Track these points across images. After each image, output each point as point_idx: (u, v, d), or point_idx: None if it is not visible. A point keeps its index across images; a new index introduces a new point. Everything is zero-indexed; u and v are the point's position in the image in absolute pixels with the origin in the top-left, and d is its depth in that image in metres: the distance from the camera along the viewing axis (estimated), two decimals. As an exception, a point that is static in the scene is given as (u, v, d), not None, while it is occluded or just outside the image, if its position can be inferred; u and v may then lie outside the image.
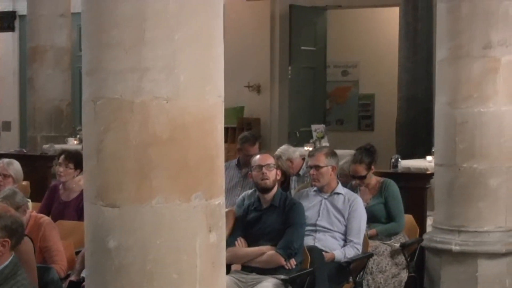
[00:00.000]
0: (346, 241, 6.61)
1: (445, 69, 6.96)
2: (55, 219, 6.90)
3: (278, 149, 8.49)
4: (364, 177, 7.24)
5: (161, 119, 3.60)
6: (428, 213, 7.92)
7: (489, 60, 6.75)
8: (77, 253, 6.35)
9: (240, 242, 6.26)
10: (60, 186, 7.65)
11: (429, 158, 9.44)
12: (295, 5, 15.19)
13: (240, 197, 7.05)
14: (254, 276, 6.10)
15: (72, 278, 6.05)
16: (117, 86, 3.61)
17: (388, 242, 7.17)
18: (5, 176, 7.84)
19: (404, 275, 7.13)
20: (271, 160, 6.41)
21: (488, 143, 6.86)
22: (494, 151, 6.86)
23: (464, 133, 6.88)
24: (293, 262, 6.07)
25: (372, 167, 7.30)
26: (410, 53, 12.12)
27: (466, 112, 6.85)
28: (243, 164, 8.15)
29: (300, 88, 15.24)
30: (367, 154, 7.30)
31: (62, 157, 7.58)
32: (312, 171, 6.74)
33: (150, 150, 3.60)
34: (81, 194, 6.84)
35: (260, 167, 6.32)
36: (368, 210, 6.95)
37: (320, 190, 6.77)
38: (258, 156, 6.49)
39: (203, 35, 3.69)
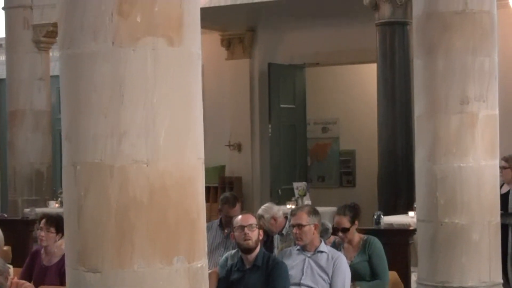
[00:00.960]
0: (330, 299, 6.56)
1: (423, 124, 7.01)
2: (36, 285, 6.82)
3: (261, 208, 8.47)
4: (348, 229, 7.22)
5: (141, 182, 3.59)
6: (412, 269, 7.91)
7: (467, 115, 6.80)
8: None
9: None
10: (42, 251, 7.58)
11: (411, 213, 9.46)
12: (273, 63, 15.30)
13: (223, 257, 7.01)
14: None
15: None
16: (96, 150, 3.62)
17: (373, 299, 7.13)
18: (-14, 242, 7.77)
19: (390, 332, 7.08)
20: (253, 220, 6.40)
21: (469, 198, 6.88)
22: (474, 205, 6.88)
23: (445, 188, 6.91)
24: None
25: (356, 222, 7.29)
26: (388, 108, 12.20)
27: (445, 167, 6.88)
28: (225, 224, 8.12)
29: (281, 146, 15.28)
30: (350, 208, 7.32)
31: (43, 221, 7.53)
32: (294, 230, 6.73)
33: (130, 213, 3.59)
34: (62, 259, 6.78)
35: (242, 227, 6.31)
36: (352, 267, 6.92)
37: (303, 249, 6.75)
38: (239, 217, 6.47)
39: (182, 97, 3.70)
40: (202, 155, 3.81)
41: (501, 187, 7.81)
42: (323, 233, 7.36)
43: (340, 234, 7.27)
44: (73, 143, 3.69)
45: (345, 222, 7.24)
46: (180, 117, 3.68)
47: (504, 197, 8.97)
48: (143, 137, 3.59)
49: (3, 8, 14.54)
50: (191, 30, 3.75)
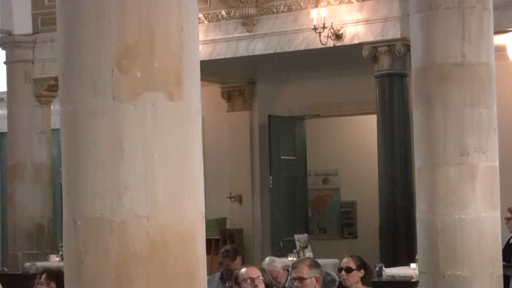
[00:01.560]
0: None
1: (424, 176, 7.01)
2: None
3: (263, 262, 8.45)
4: (351, 270, 7.13)
5: (141, 237, 3.59)
6: (414, 321, 7.85)
7: (467, 166, 6.80)
8: None
9: None
10: (42, 306, 7.54)
11: (413, 265, 9.41)
12: (273, 115, 15.37)
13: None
14: None
15: None
16: (96, 205, 3.62)
17: None
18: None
19: None
20: (259, 273, 6.45)
21: (470, 250, 6.85)
22: (476, 257, 6.85)
23: (446, 240, 6.88)
24: None
25: (362, 270, 7.22)
26: (388, 159, 12.23)
27: (446, 219, 6.87)
28: (227, 277, 8.09)
29: (282, 197, 15.27)
30: (360, 258, 7.28)
31: (43, 276, 7.50)
32: (296, 283, 6.70)
33: (130, 267, 3.58)
34: (62, 313, 6.73)
35: (252, 279, 6.33)
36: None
37: (305, 302, 6.71)
38: (245, 269, 6.48)
39: (182, 152, 3.71)
40: (202, 208, 3.81)
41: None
42: (330, 284, 7.33)
43: (343, 273, 7.18)
44: (74, 198, 3.70)
45: (351, 263, 7.17)
46: (180, 172, 3.68)
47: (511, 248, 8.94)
48: (143, 192, 3.59)
49: (4, 63, 14.65)
50: (191, 85, 3.77)
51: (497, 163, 6.97)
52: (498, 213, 7.02)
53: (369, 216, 15.22)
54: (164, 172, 3.62)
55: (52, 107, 14.74)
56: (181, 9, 3.71)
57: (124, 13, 3.60)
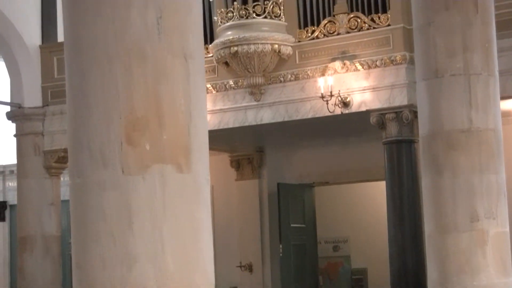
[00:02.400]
0: None
1: (434, 243, 6.98)
2: None
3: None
4: None
5: (151, 310, 3.57)
6: None
7: (477, 233, 6.78)
8: None
9: None
10: None
11: (425, 332, 9.30)
12: (282, 183, 15.36)
13: None
14: None
15: None
16: (106, 277, 3.61)
17: None
18: None
19: None
20: None
21: (483, 317, 6.79)
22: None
23: (459, 307, 6.82)
24: None
25: None
26: (398, 226, 12.18)
27: (458, 286, 6.81)
28: None
29: (292, 265, 15.18)
30: None
31: None
32: None
33: None
34: None
35: None
36: None
37: None
38: None
39: (191, 223, 3.72)
40: (212, 279, 3.79)
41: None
42: None
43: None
44: (83, 271, 3.69)
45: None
46: (189, 243, 3.68)
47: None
48: (152, 264, 3.58)
49: (14, 135, 14.75)
50: (199, 156, 3.79)
51: (507, 229, 6.95)
52: (510, 279, 6.97)
53: (380, 283, 15.09)
54: (173, 244, 3.62)
55: (61, 178, 14.78)
56: (189, 81, 3.74)
57: (132, 86, 3.64)
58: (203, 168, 3.82)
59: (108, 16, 3.63)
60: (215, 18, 13.05)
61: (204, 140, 3.86)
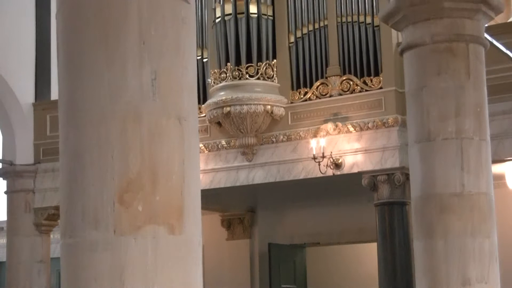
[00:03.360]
0: None
1: (426, 307, 6.94)
2: None
3: None
4: None
5: None
6: None
7: (469, 297, 6.75)
8: None
9: None
10: None
11: None
12: (274, 243, 15.31)
13: None
14: None
15: None
16: None
17: None
18: None
19: None
20: None
21: None
22: None
23: None
24: None
25: None
26: (389, 287, 12.13)
27: None
28: None
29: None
30: None
31: None
32: None
33: None
34: None
35: None
36: None
37: None
38: None
39: (182, 284, 3.70)
40: None
41: None
42: None
43: None
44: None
45: None
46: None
47: None
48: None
49: (5, 192, 14.70)
50: (192, 217, 3.79)
51: (499, 293, 6.92)
52: None
53: None
54: (165, 306, 3.60)
55: (51, 235, 14.71)
56: (183, 143, 3.76)
57: (127, 147, 3.65)
58: (195, 229, 3.81)
59: (104, 77, 3.65)
60: (209, 80, 13.13)
61: (197, 202, 3.87)
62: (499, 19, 11.32)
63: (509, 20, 14.05)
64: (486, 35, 7.32)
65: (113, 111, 3.61)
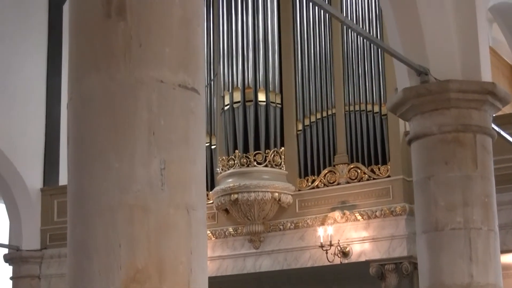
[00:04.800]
0: None
1: None
2: None
3: None
4: None
5: None
6: None
7: None
8: None
9: None
10: None
11: None
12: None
13: None
14: None
15: None
16: None
17: None
18: None
19: None
20: None
21: None
22: None
23: None
24: None
25: None
26: None
27: None
28: None
29: None
30: None
31: None
32: None
33: None
34: None
35: None
36: None
37: None
38: None
39: None
40: None
41: None
42: None
43: None
44: None
45: None
46: None
47: None
48: None
49: (11, 278, 14.62)
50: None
51: None
52: None
53: None
54: None
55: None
56: (191, 233, 3.74)
57: (134, 237, 3.64)
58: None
59: (113, 167, 3.67)
60: (218, 169, 13.17)
61: (204, 283, 3.83)
62: (506, 109, 11.40)
63: (515, 110, 14.13)
64: (493, 126, 7.36)
65: (121, 201, 3.62)
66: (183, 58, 3.84)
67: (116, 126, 3.69)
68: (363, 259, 12.28)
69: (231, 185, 12.83)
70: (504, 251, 9.40)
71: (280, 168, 13.00)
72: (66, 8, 14.86)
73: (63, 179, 14.60)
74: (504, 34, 9.92)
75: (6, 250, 14.78)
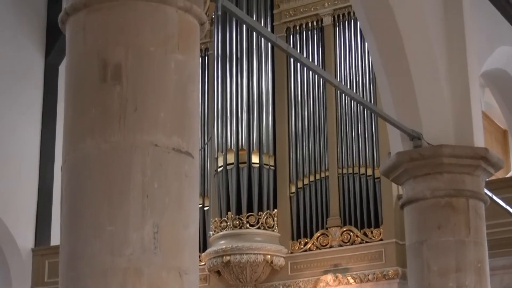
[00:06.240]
0: None
1: None
2: None
3: None
4: None
5: None
6: None
7: None
8: None
9: None
10: None
11: None
12: None
13: None
14: None
15: None
16: None
17: None
18: None
19: None
20: None
21: None
22: None
23: None
24: None
25: None
26: None
27: None
28: None
29: None
30: None
31: None
32: None
33: None
34: None
35: None
36: None
37: None
38: None
39: None
40: None
41: None
42: None
43: None
44: None
45: None
46: None
47: None
48: None
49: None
50: None
51: None
52: None
53: None
54: None
55: None
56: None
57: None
58: None
59: (106, 230, 3.67)
60: (211, 233, 13.14)
61: None
62: (498, 173, 11.43)
63: (508, 175, 14.21)
64: (486, 191, 7.38)
65: (114, 264, 3.61)
66: (177, 122, 3.87)
67: (110, 189, 3.70)
68: (357, 321, 12.19)
69: (224, 247, 12.78)
70: None
71: (273, 230, 12.97)
72: (62, 68, 14.96)
73: (55, 239, 14.52)
74: (496, 99, 10.02)
75: (-5, 311, 14.64)
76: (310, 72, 13.00)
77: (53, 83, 15.19)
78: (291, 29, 13.66)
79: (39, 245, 14.66)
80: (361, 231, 12.44)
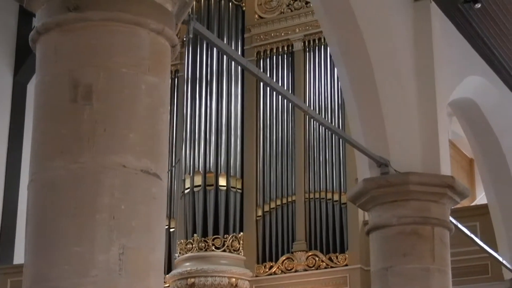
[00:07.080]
0: None
1: None
2: None
3: None
4: None
5: None
6: None
7: None
8: None
9: None
10: None
11: None
12: None
13: None
14: None
15: None
16: None
17: None
18: None
19: None
20: None
21: None
22: None
23: None
24: None
25: None
26: None
27: None
28: None
29: None
30: None
31: None
32: None
33: None
34: None
35: None
36: None
37: None
38: None
39: None
40: None
41: None
42: None
43: None
44: None
45: None
46: None
47: None
48: None
49: None
50: None
51: None
52: None
53: None
54: None
55: None
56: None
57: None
58: None
59: (71, 250, 3.64)
60: (176, 255, 13.09)
61: None
62: (464, 202, 11.51)
63: (472, 204, 14.31)
64: (451, 219, 7.43)
65: (79, 286, 3.58)
66: (146, 144, 3.86)
67: (78, 210, 3.68)
68: None
69: (188, 269, 12.73)
70: None
71: (238, 254, 12.95)
72: (30, 87, 14.88)
73: (18, 258, 14.38)
74: (463, 128, 10.10)
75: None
76: (280, 97, 13.04)
77: (21, 101, 15.09)
78: (262, 53, 13.71)
79: (2, 264, 14.52)
80: (327, 256, 12.46)
